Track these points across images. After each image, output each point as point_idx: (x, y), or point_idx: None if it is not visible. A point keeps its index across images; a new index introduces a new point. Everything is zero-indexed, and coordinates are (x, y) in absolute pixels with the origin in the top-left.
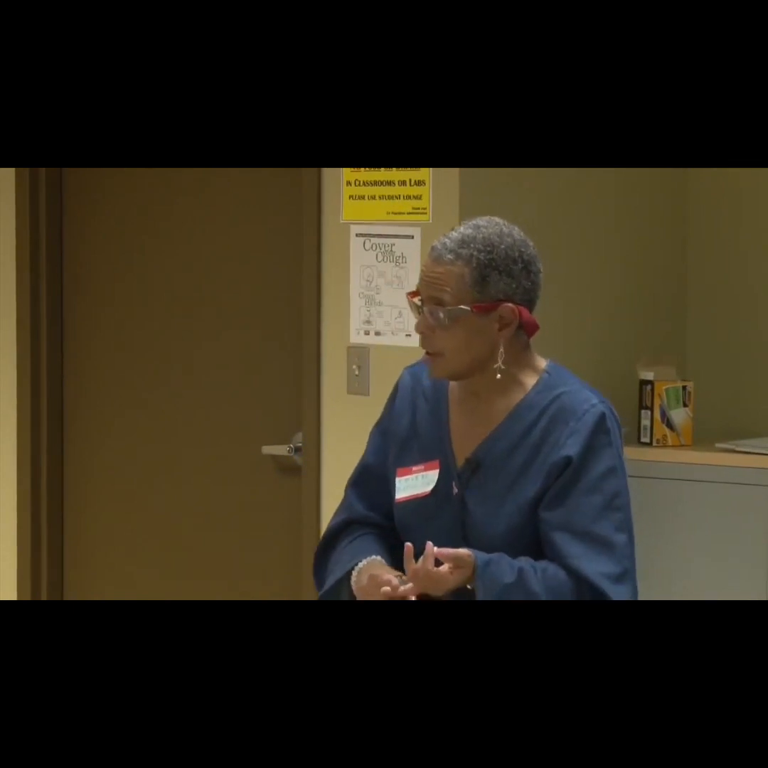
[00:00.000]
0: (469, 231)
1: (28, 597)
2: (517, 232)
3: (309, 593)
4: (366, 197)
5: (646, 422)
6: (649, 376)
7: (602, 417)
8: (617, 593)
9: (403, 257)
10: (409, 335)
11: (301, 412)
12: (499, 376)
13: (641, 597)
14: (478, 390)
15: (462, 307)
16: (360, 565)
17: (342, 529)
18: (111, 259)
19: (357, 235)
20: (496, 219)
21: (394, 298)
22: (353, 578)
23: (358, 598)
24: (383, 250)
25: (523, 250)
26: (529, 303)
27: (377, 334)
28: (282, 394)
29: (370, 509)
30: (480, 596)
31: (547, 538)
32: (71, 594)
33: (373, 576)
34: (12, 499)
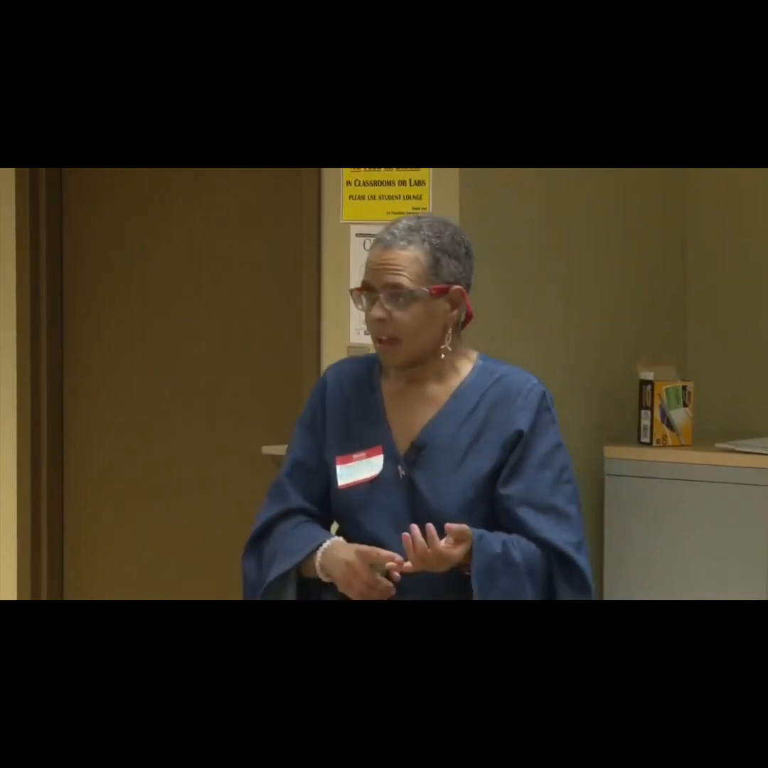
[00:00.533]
0: (412, 221)
1: (28, 597)
2: (454, 221)
3: None
4: (366, 197)
5: (646, 422)
6: (649, 376)
7: (544, 395)
8: (581, 560)
9: None
10: None
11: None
12: (443, 356)
13: (641, 597)
14: (417, 377)
15: (421, 288)
16: (325, 544)
17: (279, 517)
18: (111, 259)
19: (357, 235)
20: (431, 213)
21: None
22: (318, 559)
23: (327, 576)
24: None
25: (463, 236)
26: (468, 288)
27: None
28: (282, 393)
29: (306, 499)
30: (475, 567)
31: (510, 513)
32: (71, 594)
33: (363, 552)
34: (12, 498)
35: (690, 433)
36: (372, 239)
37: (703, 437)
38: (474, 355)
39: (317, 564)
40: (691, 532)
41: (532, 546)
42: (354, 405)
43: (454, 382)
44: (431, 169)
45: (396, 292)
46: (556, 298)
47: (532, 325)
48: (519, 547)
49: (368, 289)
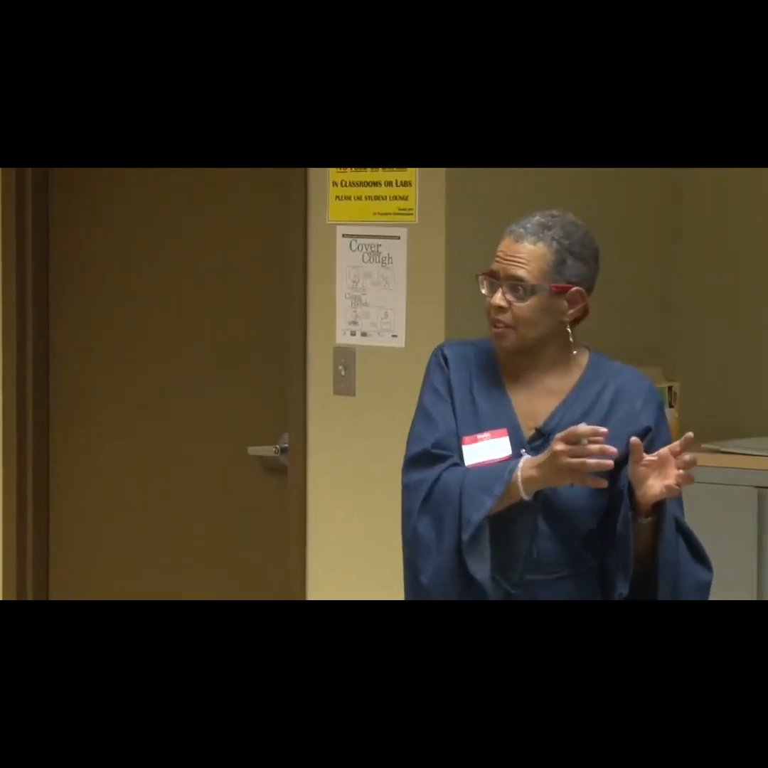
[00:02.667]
0: (545, 218)
1: (13, 597)
2: (583, 225)
3: (294, 593)
4: (352, 198)
5: None
6: None
7: (660, 395)
8: (701, 546)
9: (389, 258)
10: (396, 336)
11: (287, 413)
12: (575, 351)
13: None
14: (539, 367)
15: (541, 284)
16: (519, 464)
17: (444, 472)
18: (97, 259)
19: (343, 235)
20: (566, 212)
21: (380, 299)
22: (520, 476)
23: (531, 489)
24: (369, 250)
25: (592, 240)
26: (590, 291)
27: (363, 334)
28: (268, 394)
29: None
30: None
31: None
32: (57, 594)
33: (561, 435)
34: None
35: (676, 434)
36: (358, 240)
37: None
38: (586, 349)
39: (520, 480)
40: None
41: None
42: (477, 386)
43: (576, 373)
44: (417, 169)
45: (517, 284)
46: None
47: None
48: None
49: (493, 277)
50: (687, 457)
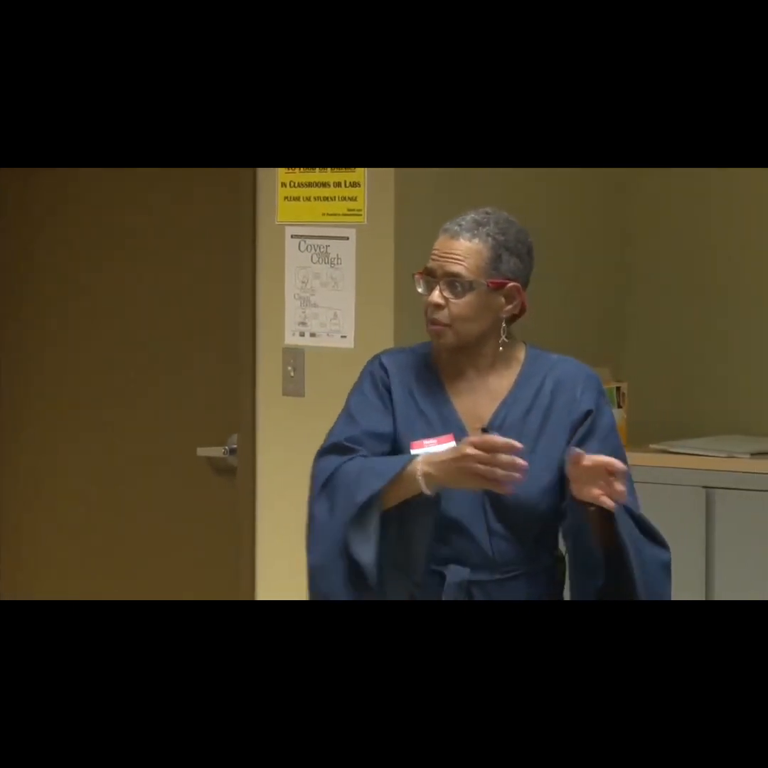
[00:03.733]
0: (479, 215)
1: None
2: (517, 221)
3: (243, 593)
4: (301, 198)
5: None
6: None
7: (600, 381)
8: (654, 525)
9: (338, 258)
10: (345, 336)
11: (236, 414)
12: (501, 348)
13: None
14: (478, 365)
15: (479, 280)
16: (421, 455)
17: (348, 461)
18: (45, 260)
19: (292, 236)
20: (500, 209)
21: (329, 300)
22: (420, 468)
23: (431, 483)
24: (318, 251)
25: (527, 236)
26: (525, 286)
27: (312, 335)
28: (217, 395)
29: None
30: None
31: None
32: (5, 594)
33: (475, 439)
34: None
35: (624, 434)
36: (307, 240)
37: (637, 438)
38: (523, 344)
39: (419, 473)
40: None
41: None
42: (418, 393)
43: (514, 369)
44: (366, 170)
45: (454, 281)
46: None
47: None
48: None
49: (429, 275)
50: (617, 486)
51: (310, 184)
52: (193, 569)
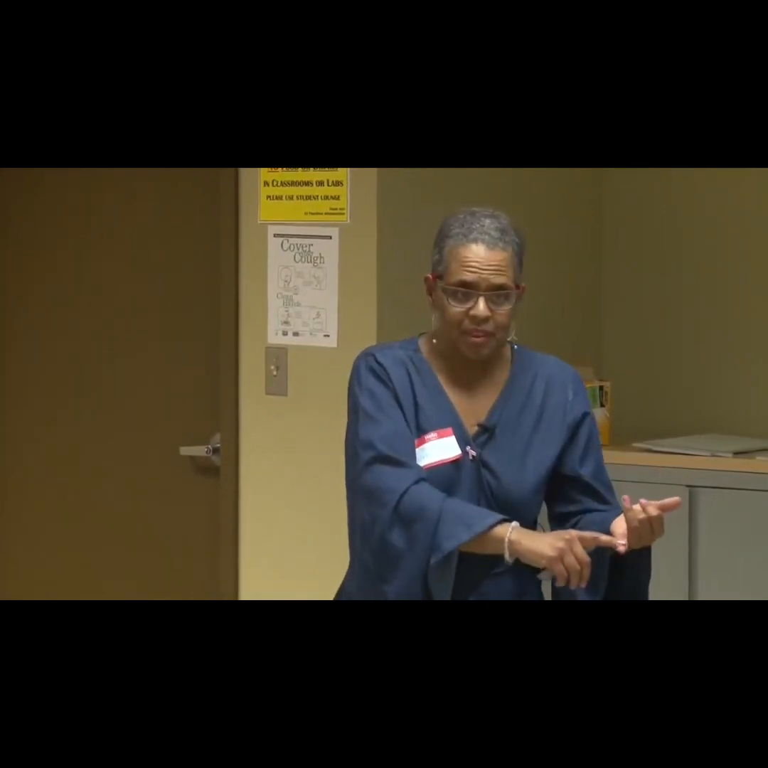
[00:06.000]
0: (500, 222)
1: None
2: None
3: (226, 593)
4: (284, 197)
5: None
6: None
7: (582, 380)
8: None
9: (321, 258)
10: (328, 336)
11: (219, 413)
12: (516, 346)
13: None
14: (470, 363)
15: (515, 289)
16: (513, 523)
17: (414, 485)
18: (26, 259)
19: (275, 235)
20: (495, 209)
21: (312, 299)
22: (510, 534)
23: (513, 553)
24: (301, 250)
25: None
26: None
27: (295, 334)
28: (200, 395)
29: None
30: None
31: (588, 488)
32: None
33: (579, 535)
34: None
35: (607, 433)
36: (290, 240)
37: (619, 437)
38: (507, 343)
39: (506, 540)
40: None
41: None
42: (417, 389)
43: (505, 366)
44: (349, 169)
45: (501, 293)
46: None
47: None
48: None
49: (469, 287)
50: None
51: (292, 183)
52: (175, 569)
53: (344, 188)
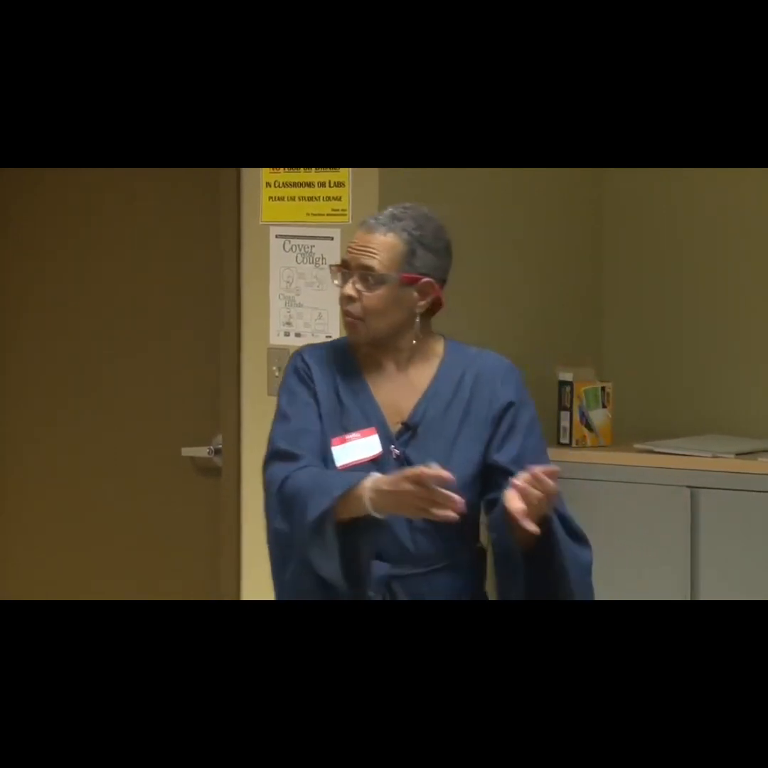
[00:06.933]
0: (398, 210)
1: None
2: (438, 217)
3: (228, 593)
4: (285, 198)
5: (565, 424)
6: (568, 377)
7: (520, 373)
8: (570, 515)
9: (322, 259)
10: (330, 336)
11: (221, 414)
12: (415, 341)
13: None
14: (397, 360)
15: (391, 274)
16: (370, 477)
17: (298, 470)
18: (27, 261)
19: (277, 236)
20: (420, 205)
21: (314, 300)
22: (368, 491)
23: (377, 508)
24: (303, 251)
25: (444, 233)
26: (443, 282)
27: (297, 335)
28: (202, 395)
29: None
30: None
31: (507, 474)
32: None
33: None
34: None
35: (609, 434)
36: (291, 240)
37: (621, 438)
38: (441, 338)
39: (366, 497)
40: (610, 533)
41: None
42: (341, 387)
43: (434, 363)
44: (350, 170)
45: (366, 274)
46: (472, 298)
47: (446, 325)
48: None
49: (345, 267)
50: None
51: (294, 184)
52: (177, 569)
53: (346, 189)
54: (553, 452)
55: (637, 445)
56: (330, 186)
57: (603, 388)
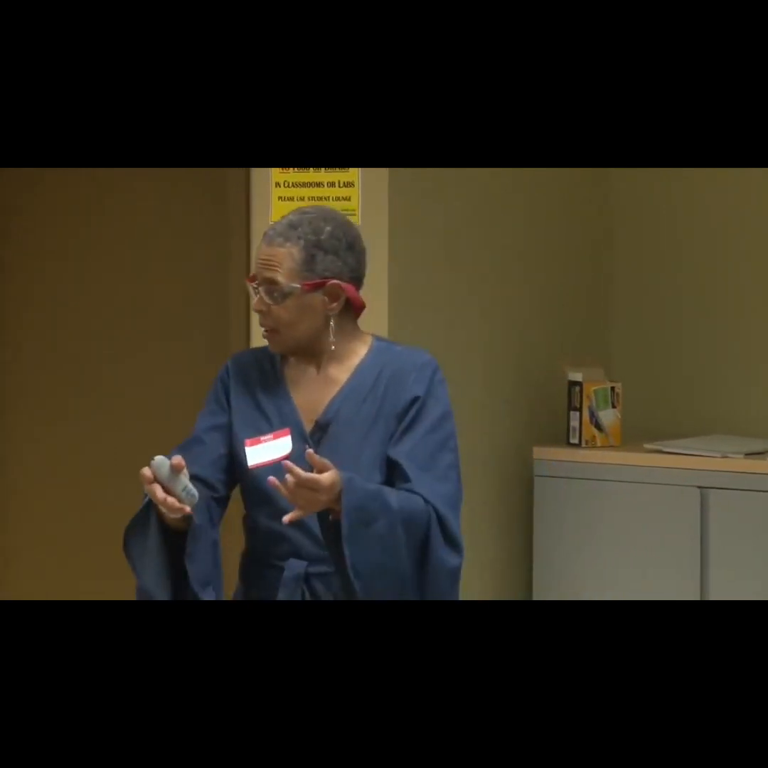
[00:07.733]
0: (296, 217)
1: None
2: (340, 216)
3: (227, 593)
4: (295, 198)
5: (574, 423)
6: (577, 377)
7: (438, 368)
8: (454, 521)
9: None
10: None
11: None
12: (333, 347)
13: (571, 597)
14: (318, 362)
15: (293, 284)
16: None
17: None
18: (34, 263)
19: None
20: (322, 206)
21: None
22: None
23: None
24: None
25: (346, 231)
26: (356, 281)
27: None
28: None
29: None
30: (345, 505)
31: (397, 468)
32: None
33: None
34: None
35: (618, 434)
36: None
37: (631, 438)
38: (369, 337)
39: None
40: (620, 533)
41: (415, 498)
42: (259, 390)
43: (353, 362)
44: (360, 170)
45: (271, 288)
46: (482, 298)
47: (457, 325)
48: (397, 495)
49: (253, 281)
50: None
51: (304, 184)
52: None
53: (355, 189)
54: (563, 452)
55: (646, 445)
56: (340, 186)
57: (612, 389)
